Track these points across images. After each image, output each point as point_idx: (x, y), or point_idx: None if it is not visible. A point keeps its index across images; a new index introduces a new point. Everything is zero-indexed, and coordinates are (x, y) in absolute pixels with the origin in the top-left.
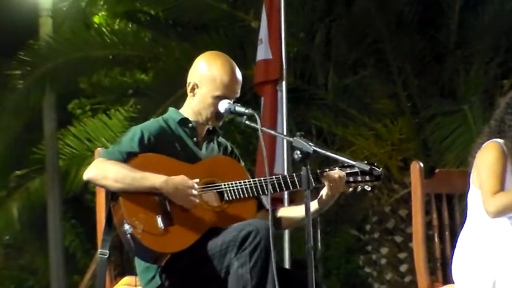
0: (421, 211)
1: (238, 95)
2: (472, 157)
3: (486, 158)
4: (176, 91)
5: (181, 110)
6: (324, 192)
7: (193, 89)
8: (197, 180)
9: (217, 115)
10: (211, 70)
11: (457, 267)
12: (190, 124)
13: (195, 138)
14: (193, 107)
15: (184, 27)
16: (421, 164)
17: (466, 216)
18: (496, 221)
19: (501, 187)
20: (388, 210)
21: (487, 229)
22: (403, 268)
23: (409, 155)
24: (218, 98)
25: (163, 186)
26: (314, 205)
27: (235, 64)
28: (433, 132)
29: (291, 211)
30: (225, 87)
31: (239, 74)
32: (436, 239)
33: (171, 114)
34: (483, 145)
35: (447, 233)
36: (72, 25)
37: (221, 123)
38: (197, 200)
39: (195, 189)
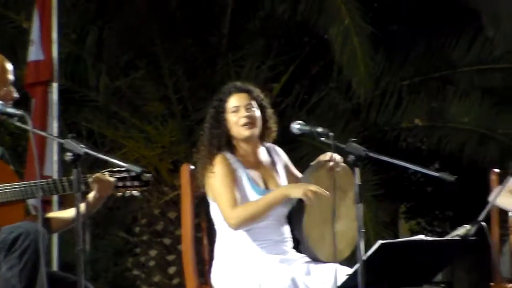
0: (190, 213)
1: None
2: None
3: (215, 172)
4: None
5: None
6: (92, 195)
7: None
8: None
9: None
10: None
11: (216, 275)
12: None
13: None
14: None
15: None
16: (191, 167)
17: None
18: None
19: (236, 198)
20: (158, 212)
21: (237, 239)
22: (172, 270)
23: (179, 157)
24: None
25: None
26: (82, 207)
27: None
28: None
29: (61, 214)
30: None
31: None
32: (205, 241)
33: None
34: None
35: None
36: None
37: None
38: None
39: None
